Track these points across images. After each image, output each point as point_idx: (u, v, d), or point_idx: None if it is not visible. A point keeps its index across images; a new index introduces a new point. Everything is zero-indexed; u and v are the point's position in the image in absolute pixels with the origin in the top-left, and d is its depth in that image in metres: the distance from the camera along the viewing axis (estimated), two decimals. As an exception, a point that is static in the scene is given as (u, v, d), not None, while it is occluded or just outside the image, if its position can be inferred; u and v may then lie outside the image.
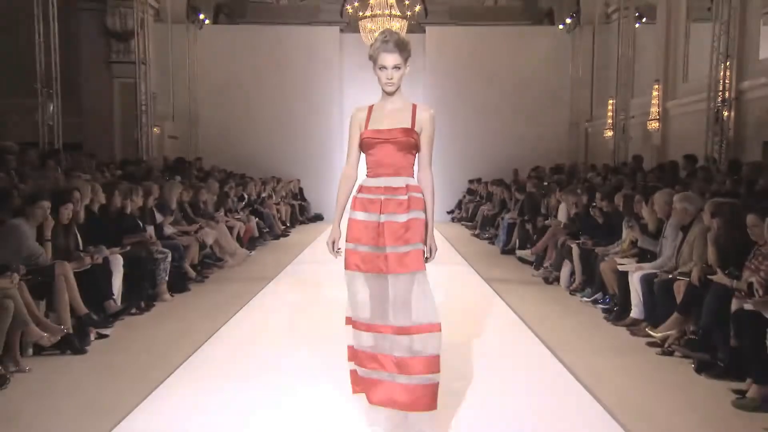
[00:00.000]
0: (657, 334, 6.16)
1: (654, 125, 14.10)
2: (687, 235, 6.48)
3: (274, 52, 18.72)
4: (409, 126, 3.87)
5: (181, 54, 18.14)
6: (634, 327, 6.68)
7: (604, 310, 7.48)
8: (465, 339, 6.19)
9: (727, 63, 11.20)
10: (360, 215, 3.86)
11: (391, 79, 3.85)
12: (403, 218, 3.80)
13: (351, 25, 17.89)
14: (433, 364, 3.77)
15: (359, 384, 3.96)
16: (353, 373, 4.00)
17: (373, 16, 15.19)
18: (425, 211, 3.88)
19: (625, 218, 8.03)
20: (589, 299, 8.03)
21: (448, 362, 5.37)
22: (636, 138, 15.31)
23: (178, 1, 17.86)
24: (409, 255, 3.76)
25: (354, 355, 3.94)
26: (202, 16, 18.81)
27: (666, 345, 5.97)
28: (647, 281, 6.64)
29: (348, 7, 17.24)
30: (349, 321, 3.96)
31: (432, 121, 3.94)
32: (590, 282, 8.22)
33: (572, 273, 8.78)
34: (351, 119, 3.99)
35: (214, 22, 19.66)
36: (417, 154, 3.95)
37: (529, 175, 16.02)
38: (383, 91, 3.93)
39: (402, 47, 3.83)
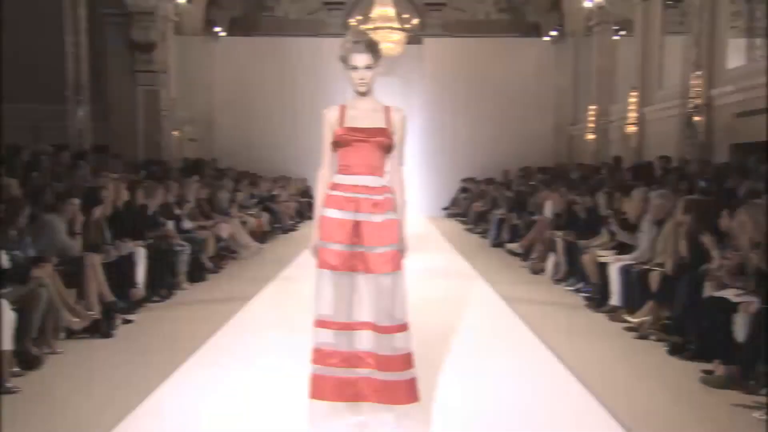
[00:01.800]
0: (633, 320, 6.19)
1: (632, 129, 14.05)
2: (662, 229, 6.49)
3: (283, 61, 18.68)
4: (385, 126, 3.63)
5: (199, 64, 18.12)
6: (612, 313, 6.69)
7: (586, 298, 7.49)
8: (458, 324, 6.22)
9: (698, 72, 11.19)
10: (334, 213, 3.58)
11: (363, 79, 3.58)
12: (379, 218, 3.57)
13: (354, 37, 17.82)
14: (411, 360, 3.56)
15: (323, 387, 3.57)
16: (316, 377, 3.60)
17: (375, 28, 15.14)
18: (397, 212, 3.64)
19: (604, 214, 8.05)
20: (572, 288, 8.04)
21: (441, 346, 5.41)
22: (615, 140, 15.29)
23: (196, 16, 17.85)
24: (386, 255, 3.54)
25: (321, 356, 3.58)
26: (218, 29, 18.81)
27: (642, 329, 5.99)
28: (625, 272, 6.65)
29: (351, 20, 17.22)
30: (318, 323, 3.59)
31: (403, 122, 3.69)
32: (573, 272, 8.23)
33: (557, 264, 8.79)
34: (323, 120, 3.70)
35: (229, 34, 19.59)
36: (388, 155, 3.67)
37: (518, 174, 16.02)
38: (355, 91, 3.65)
39: (373, 48, 3.57)
